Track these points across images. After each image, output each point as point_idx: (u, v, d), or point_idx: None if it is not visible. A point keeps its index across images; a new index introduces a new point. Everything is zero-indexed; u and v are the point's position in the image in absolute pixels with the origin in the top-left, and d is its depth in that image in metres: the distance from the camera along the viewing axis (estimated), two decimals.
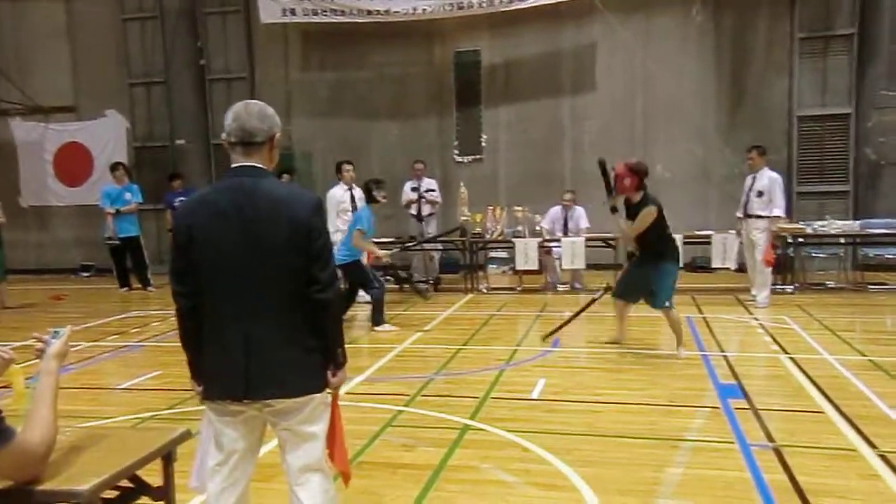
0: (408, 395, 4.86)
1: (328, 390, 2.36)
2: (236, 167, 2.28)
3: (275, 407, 2.26)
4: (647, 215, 5.60)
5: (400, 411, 4.52)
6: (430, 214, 10.37)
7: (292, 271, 2.21)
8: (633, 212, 5.74)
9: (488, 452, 3.78)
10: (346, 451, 2.54)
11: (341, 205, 8.63)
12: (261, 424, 2.36)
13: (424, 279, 10.34)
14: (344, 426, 2.49)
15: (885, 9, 10.00)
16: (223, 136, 2.30)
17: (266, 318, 2.22)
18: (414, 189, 10.31)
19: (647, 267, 5.74)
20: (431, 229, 10.33)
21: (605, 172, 5.86)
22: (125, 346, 6.85)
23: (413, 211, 10.33)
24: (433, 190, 10.33)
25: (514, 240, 9.47)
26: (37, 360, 2.19)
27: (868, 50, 10.21)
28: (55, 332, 2.21)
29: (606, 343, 6.20)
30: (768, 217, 7.92)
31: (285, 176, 10.56)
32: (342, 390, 2.55)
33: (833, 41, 10.53)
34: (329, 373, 2.33)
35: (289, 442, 2.31)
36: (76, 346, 6.64)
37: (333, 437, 2.38)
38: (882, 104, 10.07)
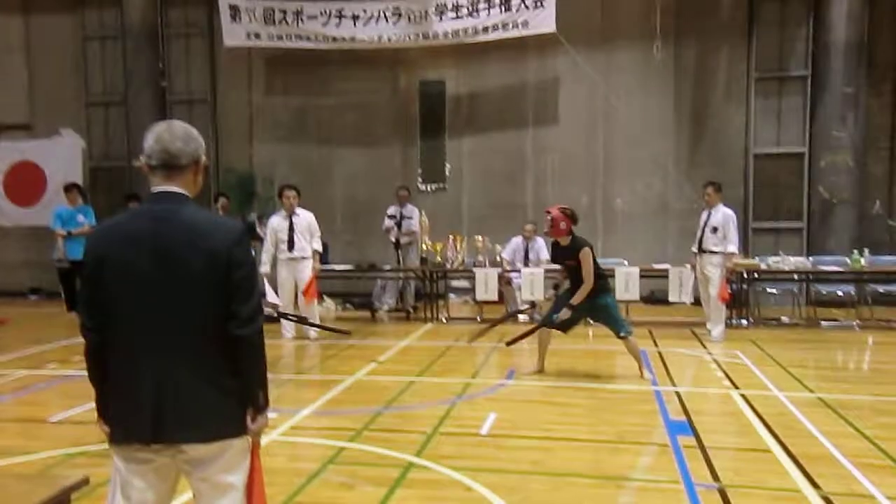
0: (354, 430, 4.71)
1: (247, 436, 2.19)
2: (156, 192, 2.15)
3: (188, 454, 2.09)
4: (587, 256, 5.97)
5: (343, 447, 4.38)
6: (409, 243, 10.16)
7: (210, 305, 2.07)
8: (561, 253, 6.14)
9: (430, 492, 3.67)
10: None
11: (278, 234, 8.24)
12: (173, 473, 2.17)
13: (399, 307, 10.22)
14: (264, 477, 2.27)
15: (837, 52, 10.32)
16: (142, 158, 2.15)
17: (180, 354, 2.07)
18: (391, 217, 10.16)
19: (590, 302, 6.04)
20: (412, 257, 10.15)
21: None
22: (65, 375, 6.56)
23: (392, 238, 10.14)
24: (410, 218, 10.12)
25: (474, 269, 9.42)
26: None
27: (820, 92, 10.53)
28: None
29: (531, 374, 6.36)
30: (722, 253, 8.01)
31: (222, 199, 10.36)
32: (263, 438, 2.38)
33: (787, 82, 10.89)
34: (248, 417, 2.16)
35: (205, 495, 2.14)
36: (11, 375, 6.34)
37: (251, 490, 2.18)
38: (834, 145, 10.37)
